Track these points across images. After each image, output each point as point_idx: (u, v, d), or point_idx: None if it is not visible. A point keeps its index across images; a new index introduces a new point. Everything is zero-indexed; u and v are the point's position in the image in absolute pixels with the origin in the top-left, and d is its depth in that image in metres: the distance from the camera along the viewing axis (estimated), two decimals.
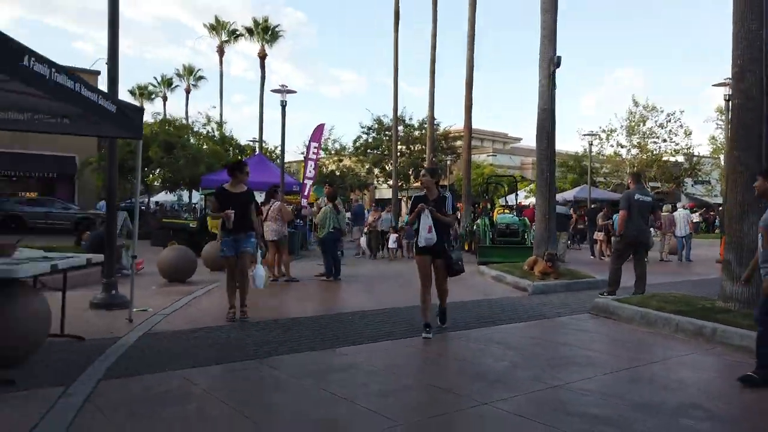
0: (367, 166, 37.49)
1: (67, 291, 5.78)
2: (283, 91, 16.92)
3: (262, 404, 3.91)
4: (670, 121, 32.29)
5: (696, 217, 28.04)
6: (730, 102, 8.49)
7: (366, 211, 20.28)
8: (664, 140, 32.59)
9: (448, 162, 34.71)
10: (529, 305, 8.14)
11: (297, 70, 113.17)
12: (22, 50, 3.64)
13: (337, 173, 36.30)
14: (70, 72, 4.28)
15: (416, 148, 35.51)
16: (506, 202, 20.69)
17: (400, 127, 32.32)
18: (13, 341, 4.31)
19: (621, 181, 31.49)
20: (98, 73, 25.90)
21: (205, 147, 27.66)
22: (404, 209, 29.65)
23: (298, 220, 16.78)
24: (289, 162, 32.43)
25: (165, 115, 36.73)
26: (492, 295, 9.15)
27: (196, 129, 30.67)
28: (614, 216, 14.44)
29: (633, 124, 32.62)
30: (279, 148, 20.53)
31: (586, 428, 3.45)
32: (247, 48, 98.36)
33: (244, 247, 6.63)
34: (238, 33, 40.53)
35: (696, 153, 35.15)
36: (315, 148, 20.17)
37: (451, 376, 4.74)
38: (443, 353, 5.51)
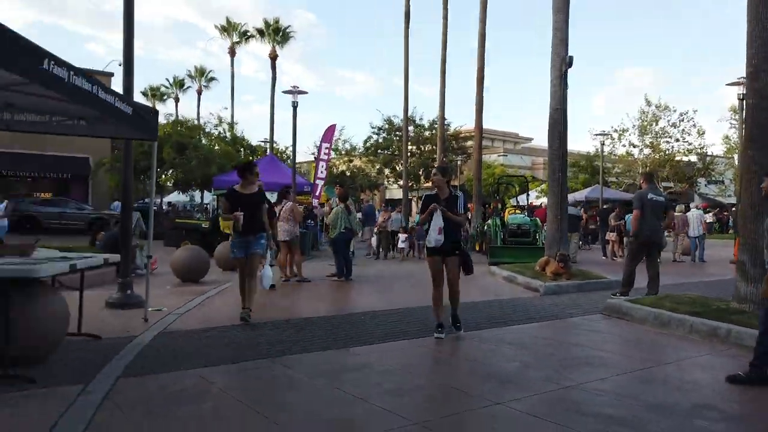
0: (377, 167, 37.50)
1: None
2: (295, 92, 17.00)
3: (276, 403, 3.95)
4: (683, 120, 32.07)
5: (709, 218, 27.82)
6: (744, 101, 8.41)
7: (376, 212, 20.30)
8: (677, 140, 32.36)
9: (459, 162, 34.59)
10: (540, 306, 8.13)
11: (308, 71, 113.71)
12: (42, 54, 3.71)
13: (348, 173, 36.37)
14: (88, 75, 4.34)
15: (427, 149, 35.45)
16: (517, 202, 20.62)
17: (411, 128, 32.28)
18: (33, 341, 4.39)
19: (633, 181, 31.26)
20: (112, 74, 26.22)
21: (216, 148, 27.90)
22: (414, 209, 29.65)
23: (309, 221, 16.84)
24: (300, 162, 32.53)
25: (177, 116, 37.06)
26: (503, 295, 9.14)
27: (207, 130, 30.94)
28: (627, 216, 14.40)
29: (645, 123, 32.39)
30: (290, 149, 20.68)
31: (600, 428, 3.46)
32: (258, 49, 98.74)
33: (254, 249, 6.57)
34: (249, 34, 40.74)
35: (709, 153, 34.86)
36: (326, 148, 20.24)
37: (464, 376, 4.75)
38: (455, 353, 5.52)
